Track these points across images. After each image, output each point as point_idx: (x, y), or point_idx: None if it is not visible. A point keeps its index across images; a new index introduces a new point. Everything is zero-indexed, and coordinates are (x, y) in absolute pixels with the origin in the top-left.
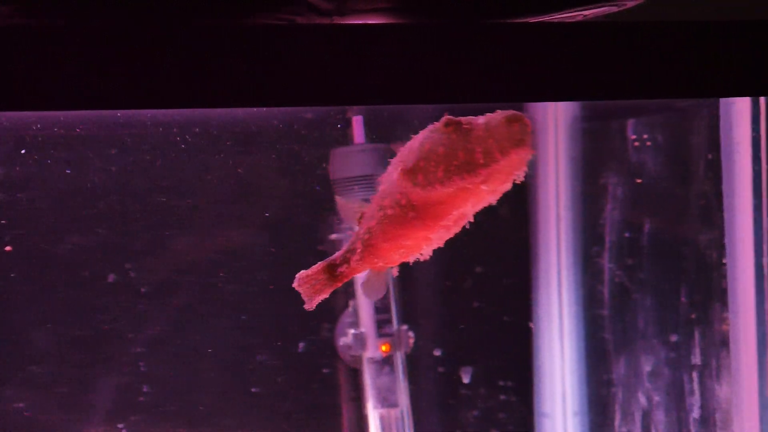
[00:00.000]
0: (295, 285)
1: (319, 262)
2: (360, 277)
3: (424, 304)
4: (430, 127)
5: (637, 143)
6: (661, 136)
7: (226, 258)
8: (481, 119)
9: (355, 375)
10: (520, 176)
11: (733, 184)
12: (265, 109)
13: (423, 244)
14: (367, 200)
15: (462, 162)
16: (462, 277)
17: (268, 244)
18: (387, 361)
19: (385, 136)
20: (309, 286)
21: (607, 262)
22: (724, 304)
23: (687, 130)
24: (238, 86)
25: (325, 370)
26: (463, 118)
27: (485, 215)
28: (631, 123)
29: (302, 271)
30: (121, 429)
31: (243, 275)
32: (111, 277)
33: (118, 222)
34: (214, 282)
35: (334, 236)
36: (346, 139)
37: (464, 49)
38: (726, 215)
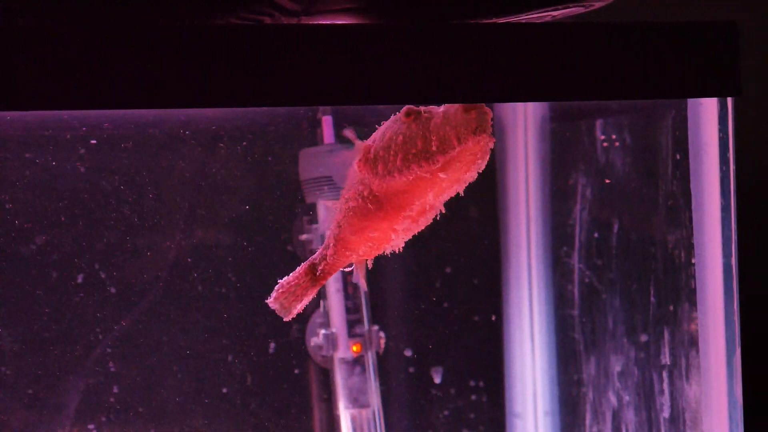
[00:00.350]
0: (271, 300)
1: (298, 268)
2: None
3: (395, 304)
4: (393, 117)
5: (605, 144)
6: (630, 137)
7: (195, 258)
8: (441, 108)
9: (326, 375)
10: (482, 165)
11: (701, 185)
12: (233, 109)
13: (390, 235)
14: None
15: (419, 150)
16: (432, 277)
17: (238, 244)
18: (358, 362)
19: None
20: (290, 294)
21: (576, 263)
22: (693, 303)
23: (655, 131)
24: (206, 87)
25: (296, 371)
26: (423, 107)
27: (455, 216)
28: (599, 123)
29: (280, 283)
30: (91, 429)
31: (213, 275)
32: (80, 278)
33: (87, 222)
34: (184, 282)
35: (303, 236)
36: (315, 139)
37: (432, 49)
38: (694, 215)
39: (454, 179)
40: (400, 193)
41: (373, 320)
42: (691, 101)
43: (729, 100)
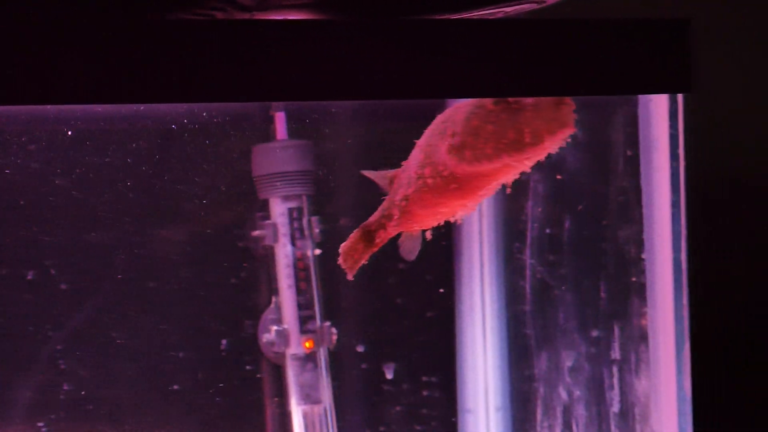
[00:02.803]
0: (340, 260)
1: (355, 231)
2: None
3: (347, 300)
4: (474, 101)
5: None
6: (581, 133)
7: (146, 255)
8: (528, 100)
9: (278, 372)
10: (555, 149)
11: (651, 181)
12: (185, 105)
13: (458, 210)
14: (295, 196)
15: (511, 140)
16: (385, 273)
17: (190, 240)
18: (310, 358)
19: (309, 132)
20: (350, 256)
21: (528, 258)
22: (643, 299)
23: (606, 127)
24: (157, 82)
25: (247, 367)
26: (510, 98)
27: None
28: None
29: (343, 244)
30: (41, 428)
31: (164, 272)
32: (30, 275)
33: (36, 219)
34: (135, 279)
35: (256, 232)
36: (268, 135)
37: (385, 45)
38: (645, 211)
39: (531, 164)
40: (482, 176)
41: (326, 316)
42: (642, 97)
43: (679, 96)
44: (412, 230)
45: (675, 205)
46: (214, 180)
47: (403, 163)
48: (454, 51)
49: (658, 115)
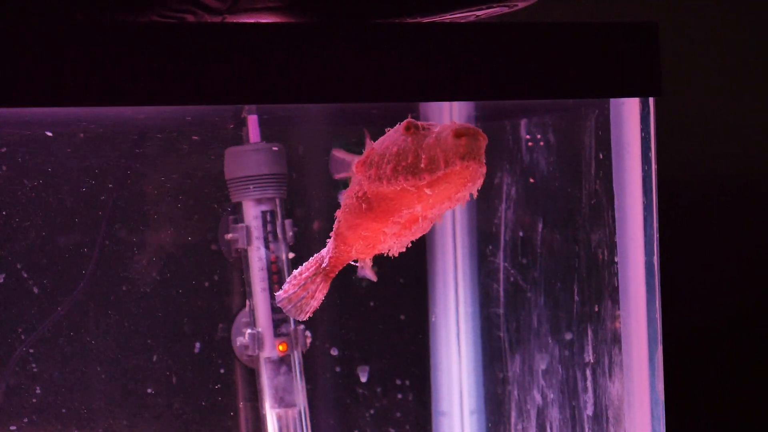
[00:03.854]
0: (283, 302)
1: (304, 264)
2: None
3: (321, 304)
4: (397, 126)
5: (530, 143)
6: (554, 136)
7: (120, 257)
8: (437, 128)
9: (252, 375)
10: (472, 188)
11: (623, 184)
12: (157, 108)
13: (380, 237)
14: (268, 199)
15: (409, 164)
16: (359, 276)
17: (163, 243)
18: (284, 361)
19: (281, 135)
20: (302, 291)
21: (501, 261)
22: (616, 301)
23: (578, 130)
24: (129, 85)
25: (221, 371)
26: (422, 123)
27: None
28: (524, 123)
29: (288, 282)
30: (14, 430)
31: (137, 275)
32: (1, 278)
33: (8, 222)
34: (108, 282)
35: (229, 236)
36: (241, 138)
37: (356, 48)
38: (617, 214)
39: (444, 196)
40: (389, 200)
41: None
42: (613, 101)
43: (651, 100)
44: (350, 258)
45: (647, 208)
46: (187, 183)
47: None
48: (425, 54)
49: (629, 118)
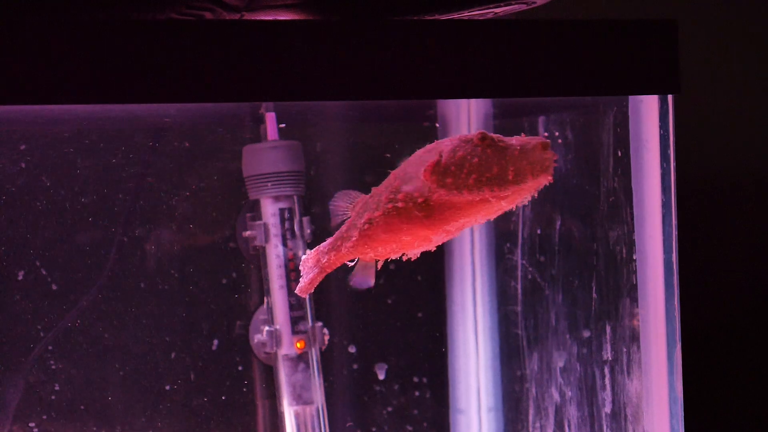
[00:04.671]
0: (301, 285)
1: (309, 252)
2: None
3: (338, 301)
4: (460, 137)
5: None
6: (572, 134)
7: (138, 255)
8: (513, 140)
9: (270, 372)
10: (528, 198)
11: (641, 181)
12: (175, 105)
13: (418, 243)
14: (286, 196)
15: (494, 175)
16: (376, 274)
17: (181, 240)
18: (302, 358)
19: (299, 132)
20: (307, 274)
21: (519, 259)
22: (634, 299)
23: (597, 128)
24: (147, 82)
25: (239, 368)
26: (495, 135)
27: None
28: (542, 120)
29: (306, 256)
30: (33, 428)
31: (155, 272)
32: (21, 275)
33: (28, 219)
34: (127, 279)
35: (246, 233)
36: (259, 136)
37: (375, 46)
38: (635, 212)
39: (505, 206)
40: (456, 209)
41: (317, 317)
42: (632, 98)
43: (670, 97)
44: (365, 258)
45: (665, 205)
46: (205, 180)
47: (374, 189)
48: (444, 51)
49: (648, 115)
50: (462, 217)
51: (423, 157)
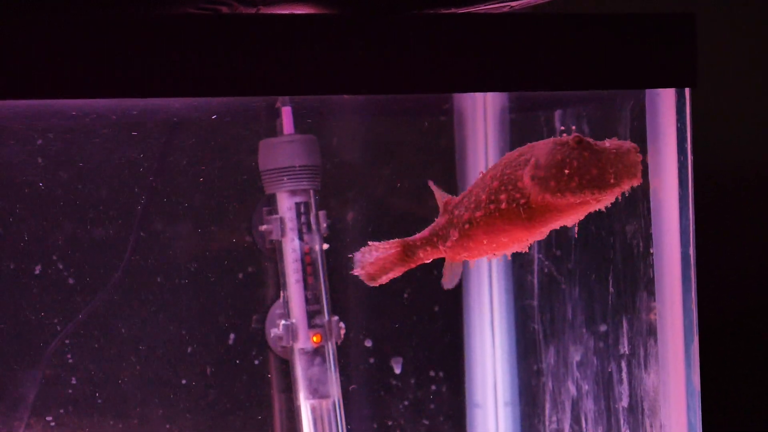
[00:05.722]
0: (357, 268)
1: (391, 241)
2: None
3: (354, 295)
4: (554, 140)
5: (564, 134)
6: (588, 127)
7: (155, 249)
8: (606, 143)
9: (286, 366)
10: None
11: (659, 175)
12: (191, 99)
13: (515, 245)
14: (302, 190)
15: (593, 177)
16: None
17: (197, 234)
18: (318, 352)
19: (315, 126)
20: (381, 267)
21: (536, 253)
22: (652, 293)
23: (613, 121)
24: (164, 76)
25: (255, 362)
26: (589, 139)
27: (416, 206)
28: (558, 114)
29: (369, 247)
30: (50, 422)
31: (172, 266)
32: (38, 269)
33: (44, 213)
34: (143, 273)
35: (263, 227)
36: (275, 130)
37: (391, 39)
38: (652, 205)
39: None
40: (555, 210)
41: (333, 311)
42: (649, 92)
43: (686, 90)
44: (457, 258)
45: (683, 199)
46: (221, 175)
47: (469, 188)
48: (460, 45)
49: (665, 109)
50: (561, 218)
51: (518, 159)
